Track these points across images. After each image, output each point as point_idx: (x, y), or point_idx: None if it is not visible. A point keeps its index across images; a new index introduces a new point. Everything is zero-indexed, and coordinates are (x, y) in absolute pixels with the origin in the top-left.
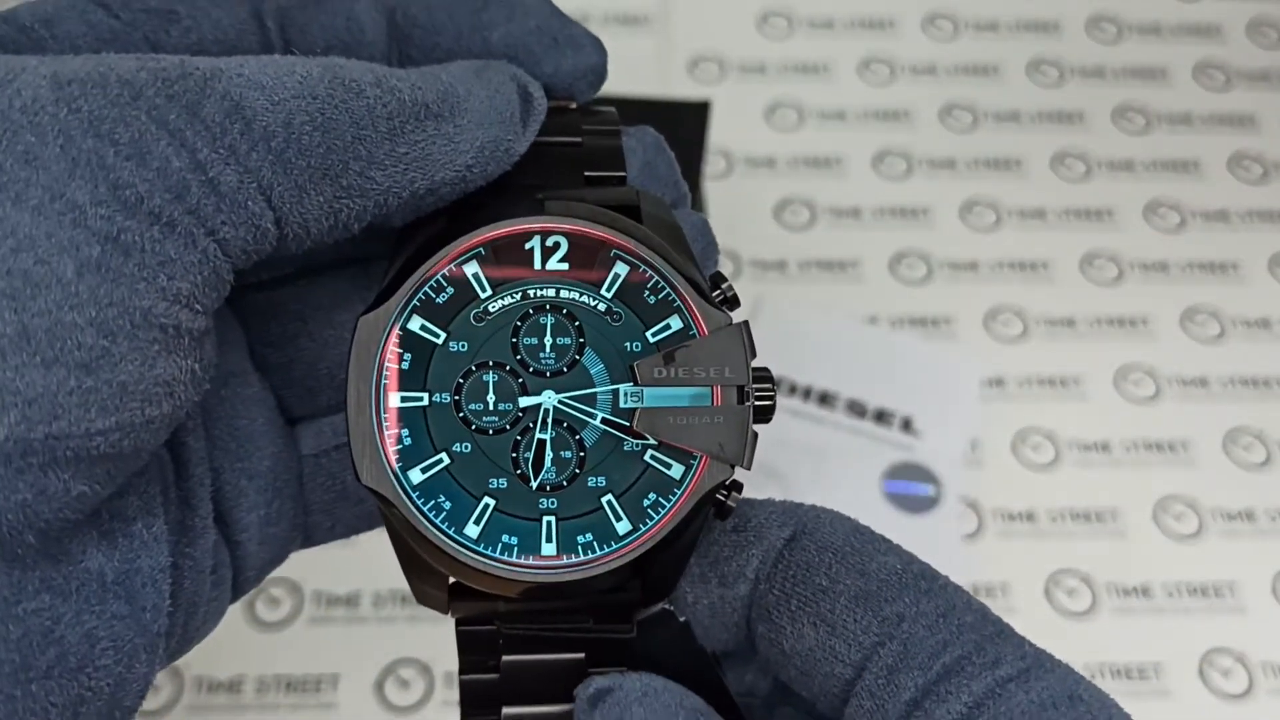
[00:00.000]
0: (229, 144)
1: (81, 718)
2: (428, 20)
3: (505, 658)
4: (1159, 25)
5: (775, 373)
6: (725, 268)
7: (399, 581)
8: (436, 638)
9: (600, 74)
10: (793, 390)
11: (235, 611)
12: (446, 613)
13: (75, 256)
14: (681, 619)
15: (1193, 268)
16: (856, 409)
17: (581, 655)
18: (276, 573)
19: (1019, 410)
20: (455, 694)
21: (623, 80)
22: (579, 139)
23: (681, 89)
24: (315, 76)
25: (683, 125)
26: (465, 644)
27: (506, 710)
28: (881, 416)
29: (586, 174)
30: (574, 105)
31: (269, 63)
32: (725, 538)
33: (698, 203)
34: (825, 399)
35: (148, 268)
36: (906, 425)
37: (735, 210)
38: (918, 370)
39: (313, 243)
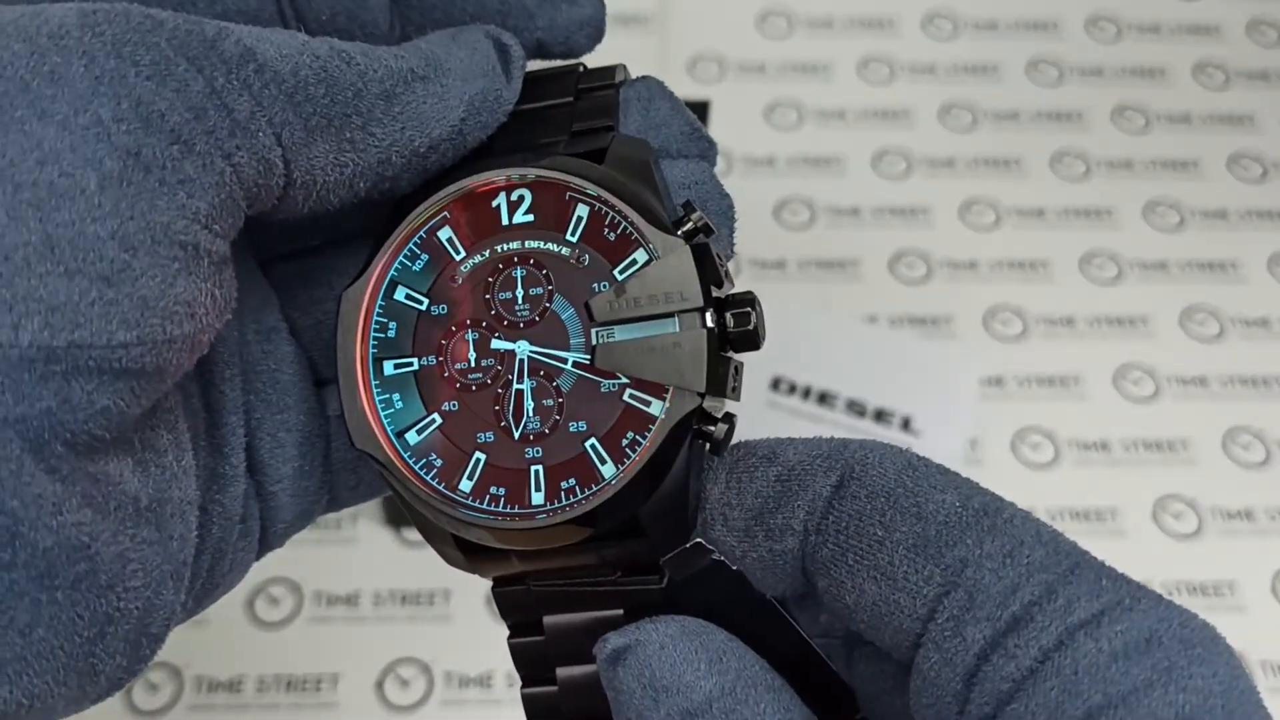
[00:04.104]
0: (243, 78)
1: (109, 637)
2: None
3: (546, 619)
4: (1158, 25)
5: (775, 372)
6: None
7: (399, 581)
8: (436, 638)
9: (598, 26)
10: (792, 390)
11: (235, 611)
12: (471, 571)
13: (98, 170)
14: (734, 568)
15: (1192, 267)
16: (856, 408)
17: (620, 612)
18: (276, 572)
19: (1018, 409)
20: (455, 693)
21: None
22: (571, 99)
23: (681, 89)
24: (315, 42)
25: None
26: (502, 606)
27: (561, 671)
28: (881, 416)
29: (574, 128)
30: (582, 67)
31: (273, 29)
32: (769, 488)
33: None
34: (825, 398)
35: (167, 184)
36: (906, 424)
37: (735, 210)
38: (917, 369)
39: (320, 197)
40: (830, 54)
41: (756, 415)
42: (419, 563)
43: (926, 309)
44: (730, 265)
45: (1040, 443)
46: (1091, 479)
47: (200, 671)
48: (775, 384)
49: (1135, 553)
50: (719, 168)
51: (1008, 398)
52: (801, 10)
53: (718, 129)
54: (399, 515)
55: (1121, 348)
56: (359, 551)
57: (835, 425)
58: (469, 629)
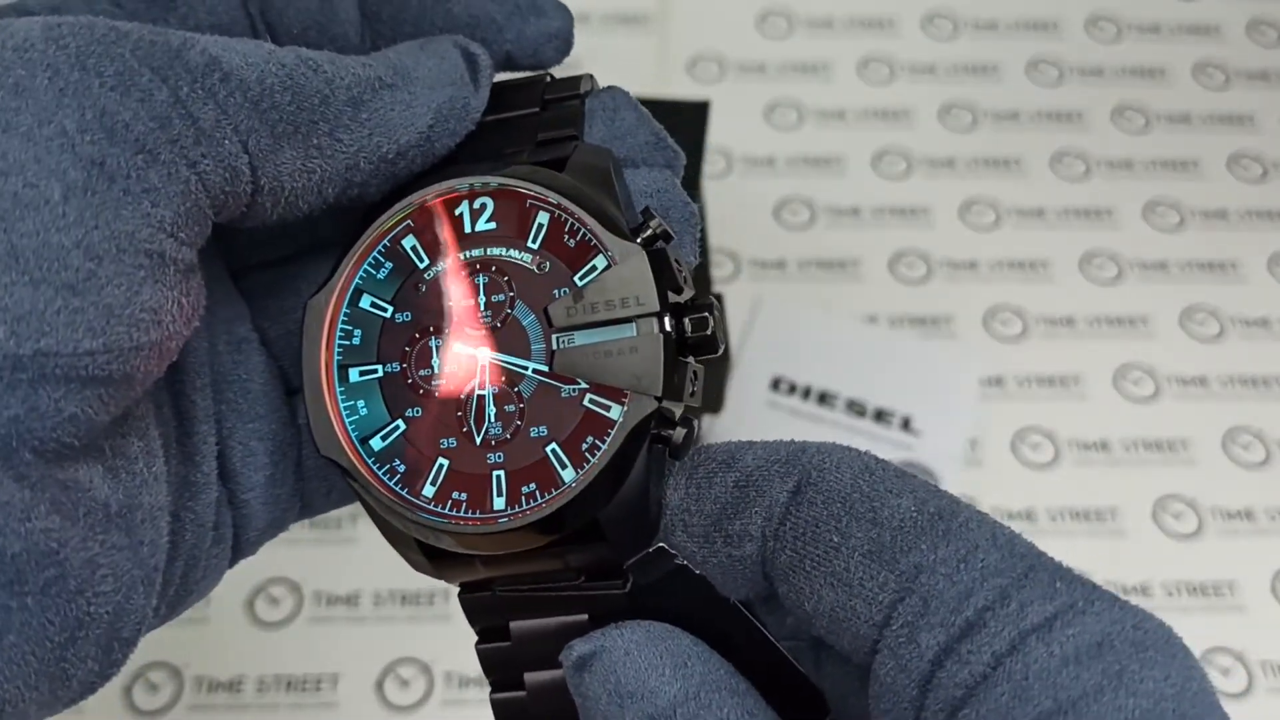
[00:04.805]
0: (209, 87)
1: (80, 642)
2: None
3: (513, 624)
4: (1158, 25)
5: (775, 372)
6: (725, 267)
7: (399, 581)
8: (436, 638)
9: (566, 39)
10: (792, 390)
11: (235, 611)
12: (436, 577)
13: (62, 180)
14: (698, 572)
15: (1192, 267)
16: (856, 408)
17: (585, 617)
18: (276, 573)
19: (1018, 409)
20: (455, 693)
21: (622, 80)
22: (537, 109)
23: (681, 89)
24: (281, 51)
25: (682, 125)
26: (469, 612)
27: (529, 676)
28: (881, 416)
29: (539, 138)
30: (549, 77)
31: (240, 39)
32: (726, 494)
33: (697, 202)
34: (825, 398)
35: (132, 194)
36: (906, 424)
37: (735, 210)
38: (917, 369)
39: (288, 204)
40: (830, 54)
41: (757, 415)
42: None
43: (926, 309)
44: (729, 268)
45: (1040, 443)
46: (1091, 479)
47: (200, 671)
48: (775, 384)
49: (1135, 553)
50: (719, 167)
51: (1008, 398)
52: (801, 10)
53: (718, 129)
54: None
55: (1121, 348)
56: (359, 551)
57: (835, 425)
58: (469, 629)
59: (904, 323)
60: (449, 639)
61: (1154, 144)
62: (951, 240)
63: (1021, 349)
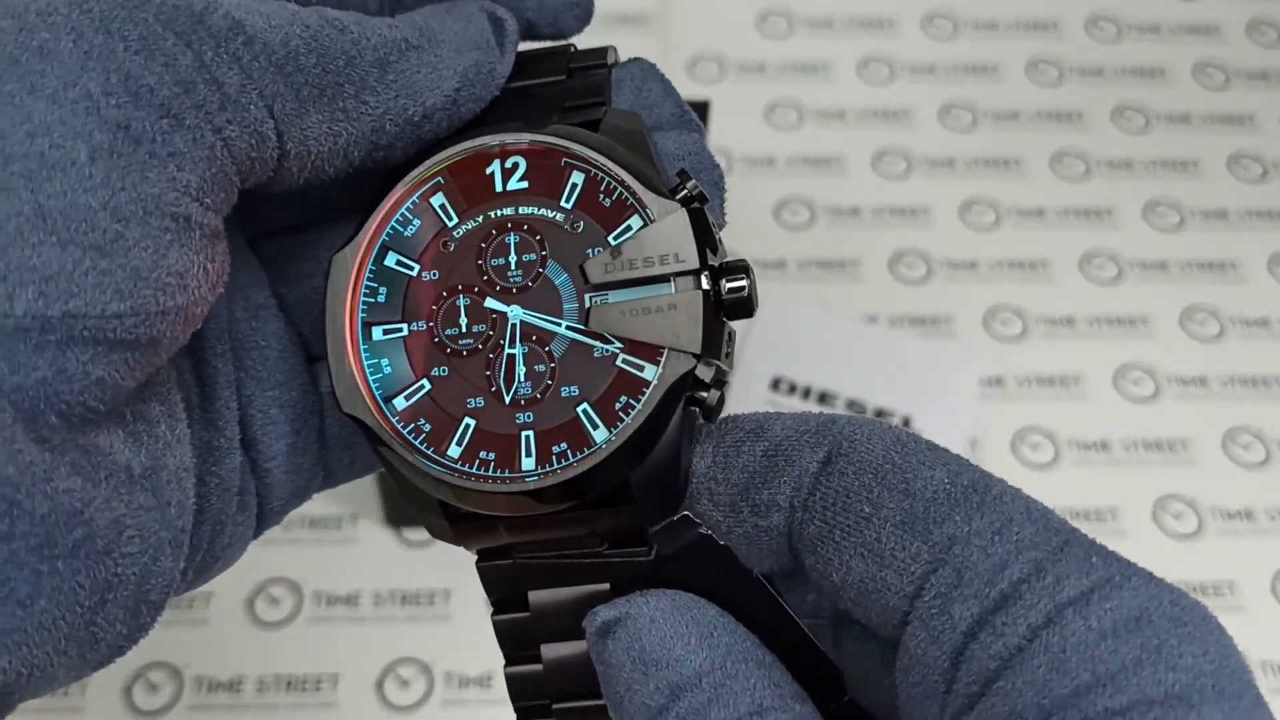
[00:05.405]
0: (233, 51)
1: (109, 604)
2: None
3: (531, 594)
4: (1158, 25)
5: (775, 373)
6: None
7: (399, 581)
8: (436, 638)
9: (586, 7)
10: (792, 390)
11: (235, 611)
12: (456, 543)
13: (88, 142)
14: (722, 543)
15: (1192, 267)
16: (856, 408)
17: (606, 586)
18: (276, 573)
19: (1018, 409)
20: (455, 693)
21: None
22: (563, 76)
23: (681, 89)
24: (306, 13)
25: None
26: (487, 582)
27: (546, 649)
28: (881, 416)
29: (566, 104)
30: (573, 47)
31: (263, 1)
32: (755, 463)
33: None
34: (825, 398)
35: (158, 157)
36: (906, 424)
37: (735, 210)
38: (917, 369)
39: (314, 168)
40: (830, 54)
41: None
42: (419, 563)
43: (926, 309)
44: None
45: (1040, 443)
46: (1091, 479)
47: (200, 671)
48: (775, 384)
49: (1135, 553)
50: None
51: (1008, 398)
52: (801, 10)
53: (718, 129)
54: (399, 515)
55: (1121, 348)
56: (359, 551)
57: None
58: (469, 629)
59: (904, 323)
60: (449, 639)
61: (1154, 144)
62: (951, 240)
63: (1021, 349)
